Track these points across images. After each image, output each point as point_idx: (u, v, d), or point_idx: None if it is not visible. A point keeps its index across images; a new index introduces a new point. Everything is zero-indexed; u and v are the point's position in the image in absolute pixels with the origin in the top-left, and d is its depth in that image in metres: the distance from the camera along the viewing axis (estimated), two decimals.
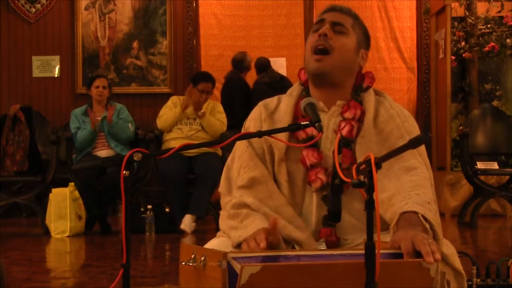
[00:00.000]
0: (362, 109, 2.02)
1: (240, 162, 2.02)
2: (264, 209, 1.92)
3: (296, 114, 2.04)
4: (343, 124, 2.00)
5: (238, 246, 1.87)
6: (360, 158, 1.93)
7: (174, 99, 6.27)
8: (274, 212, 1.92)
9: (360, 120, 2.00)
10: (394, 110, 2.03)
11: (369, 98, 2.03)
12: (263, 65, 7.40)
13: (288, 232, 1.89)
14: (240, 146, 2.06)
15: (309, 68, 2.02)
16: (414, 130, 2.02)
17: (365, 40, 2.09)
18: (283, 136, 1.96)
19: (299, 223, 1.94)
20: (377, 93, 2.09)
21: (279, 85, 6.82)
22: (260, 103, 2.12)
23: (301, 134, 1.99)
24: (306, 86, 2.09)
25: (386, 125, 1.99)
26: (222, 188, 2.06)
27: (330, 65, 1.98)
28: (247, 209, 1.93)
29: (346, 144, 1.98)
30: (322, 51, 1.99)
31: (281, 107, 2.06)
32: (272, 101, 2.11)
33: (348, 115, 2.00)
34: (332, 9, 2.07)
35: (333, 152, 1.96)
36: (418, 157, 1.97)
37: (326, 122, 2.01)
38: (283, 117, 2.02)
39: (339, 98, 2.04)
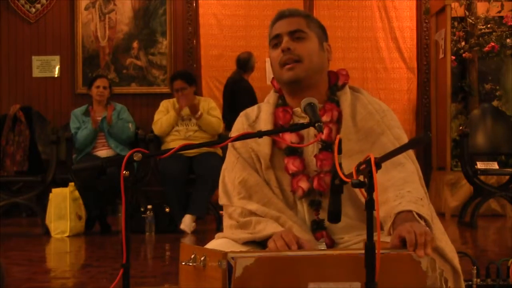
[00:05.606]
0: (339, 110, 2.01)
1: (234, 174, 2.04)
2: (271, 213, 1.94)
3: (275, 121, 2.04)
4: None
5: (246, 243, 1.88)
6: (341, 158, 1.93)
7: (164, 103, 6.24)
8: (279, 214, 1.93)
9: (338, 121, 2.01)
10: (372, 106, 2.04)
11: (345, 97, 2.03)
12: None
13: (294, 233, 1.89)
14: (230, 159, 2.07)
15: (283, 79, 2.02)
16: (394, 123, 2.02)
17: (323, 33, 2.08)
18: (266, 144, 1.98)
19: (301, 224, 1.95)
20: (353, 89, 2.09)
21: None
22: (242, 113, 2.13)
23: (286, 139, 1.97)
24: (281, 94, 2.09)
25: (366, 123, 1.99)
26: (222, 201, 2.07)
27: (303, 71, 1.99)
28: (255, 216, 1.95)
29: (326, 147, 1.98)
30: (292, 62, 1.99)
31: (261, 116, 2.07)
32: (252, 110, 2.12)
33: (325, 118, 1.99)
34: (282, 16, 2.05)
35: (331, 153, 1.96)
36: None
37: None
38: (264, 126, 2.03)
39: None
